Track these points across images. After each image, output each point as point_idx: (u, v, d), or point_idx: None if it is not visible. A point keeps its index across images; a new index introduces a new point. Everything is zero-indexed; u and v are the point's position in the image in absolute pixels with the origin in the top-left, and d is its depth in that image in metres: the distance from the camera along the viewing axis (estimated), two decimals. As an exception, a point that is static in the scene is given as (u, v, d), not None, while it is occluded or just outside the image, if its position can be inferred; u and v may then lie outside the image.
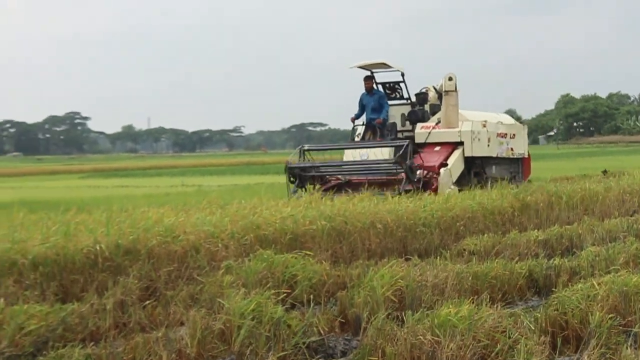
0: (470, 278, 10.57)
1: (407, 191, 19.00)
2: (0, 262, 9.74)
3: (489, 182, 22.79)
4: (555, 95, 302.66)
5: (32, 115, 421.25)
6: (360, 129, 24.78)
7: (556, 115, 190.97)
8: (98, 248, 10.50)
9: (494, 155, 24.10)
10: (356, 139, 24.62)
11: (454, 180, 21.78)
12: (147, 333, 8.56)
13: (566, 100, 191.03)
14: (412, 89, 25.08)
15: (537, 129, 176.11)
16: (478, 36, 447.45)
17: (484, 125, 23.54)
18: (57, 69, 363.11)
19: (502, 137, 24.46)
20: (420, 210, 15.28)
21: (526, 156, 26.09)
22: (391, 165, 21.13)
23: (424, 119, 24.13)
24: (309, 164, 22.48)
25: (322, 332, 8.70)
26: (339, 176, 22.55)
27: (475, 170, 23.55)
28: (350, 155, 23.97)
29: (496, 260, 11.63)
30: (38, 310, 8.62)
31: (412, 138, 23.01)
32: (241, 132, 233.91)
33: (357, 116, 24.72)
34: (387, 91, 24.92)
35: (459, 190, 19.70)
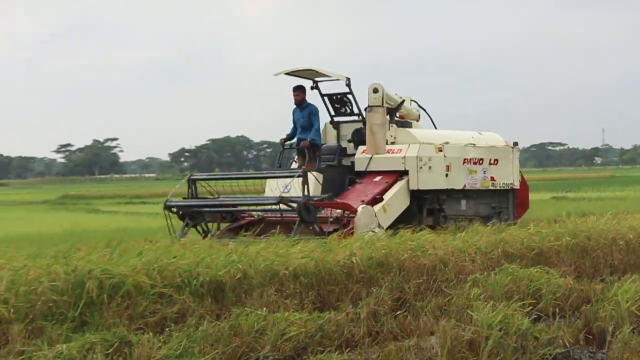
0: None
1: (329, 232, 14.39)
2: (263, 273, 10.10)
3: (449, 222, 17.23)
4: None
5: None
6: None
7: None
8: (354, 261, 10.76)
9: (459, 187, 17.89)
10: (294, 165, 18.77)
11: (391, 220, 16.20)
12: (399, 341, 8.68)
13: None
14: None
15: None
16: None
17: (440, 150, 17.38)
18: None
19: (475, 163, 18.20)
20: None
21: (517, 186, 19.34)
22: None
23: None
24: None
25: (567, 344, 8.59)
26: (253, 213, 17.61)
27: (430, 207, 17.52)
28: (273, 186, 17.72)
29: None
30: (297, 317, 8.83)
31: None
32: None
33: (289, 136, 18.74)
34: (336, 105, 18.84)
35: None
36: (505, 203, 19.18)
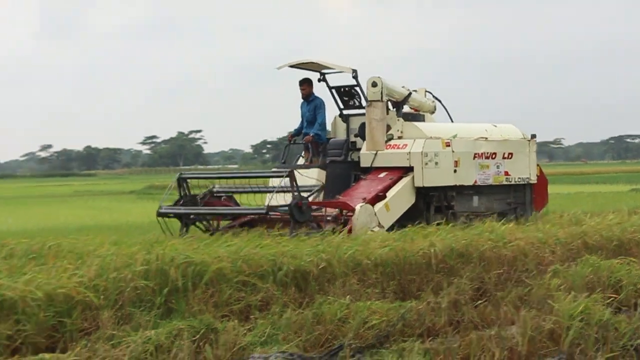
0: None
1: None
2: (346, 263, 10.15)
3: (459, 220, 15.79)
4: None
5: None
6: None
7: None
8: (433, 251, 10.76)
9: (470, 183, 16.72)
10: (301, 160, 17.72)
11: (394, 219, 15.15)
12: (480, 330, 8.62)
13: None
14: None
15: None
16: None
17: (448, 144, 16.31)
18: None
19: (487, 157, 17.04)
20: None
21: (533, 180, 18.01)
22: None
23: None
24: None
25: (649, 335, 8.45)
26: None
27: (437, 204, 16.35)
28: (275, 183, 15.99)
29: None
30: (379, 306, 8.86)
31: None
32: (561, 144, 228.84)
33: (296, 131, 17.78)
34: (345, 98, 17.74)
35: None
36: (522, 198, 17.90)
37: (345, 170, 16.67)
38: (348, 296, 9.23)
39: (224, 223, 15.99)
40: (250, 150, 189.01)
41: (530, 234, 12.19)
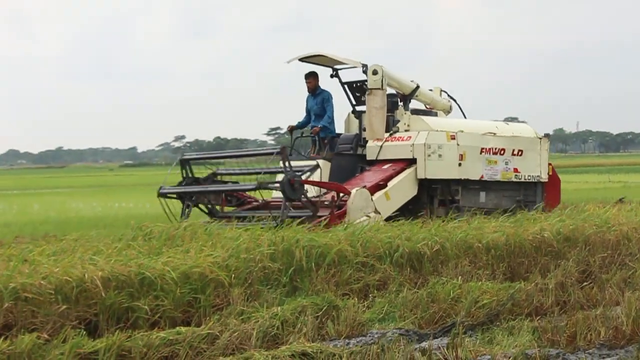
0: None
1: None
2: (458, 246, 10.17)
3: (464, 214, 13.72)
4: None
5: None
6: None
7: None
8: (543, 235, 10.71)
9: (475, 177, 15.57)
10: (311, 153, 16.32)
11: (394, 208, 14.21)
12: (586, 310, 8.47)
13: None
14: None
15: None
16: None
17: (453, 138, 15.21)
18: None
19: (495, 153, 15.84)
20: None
21: (544, 179, 16.72)
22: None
23: (386, 128, 15.52)
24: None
25: None
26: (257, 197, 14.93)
27: (441, 198, 15.30)
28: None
29: None
30: (490, 287, 8.82)
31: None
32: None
33: (300, 124, 16.51)
34: (357, 93, 16.58)
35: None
36: (532, 196, 16.64)
37: (350, 163, 15.78)
38: (460, 277, 9.22)
39: (228, 209, 14.74)
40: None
41: (633, 219, 11.99)
